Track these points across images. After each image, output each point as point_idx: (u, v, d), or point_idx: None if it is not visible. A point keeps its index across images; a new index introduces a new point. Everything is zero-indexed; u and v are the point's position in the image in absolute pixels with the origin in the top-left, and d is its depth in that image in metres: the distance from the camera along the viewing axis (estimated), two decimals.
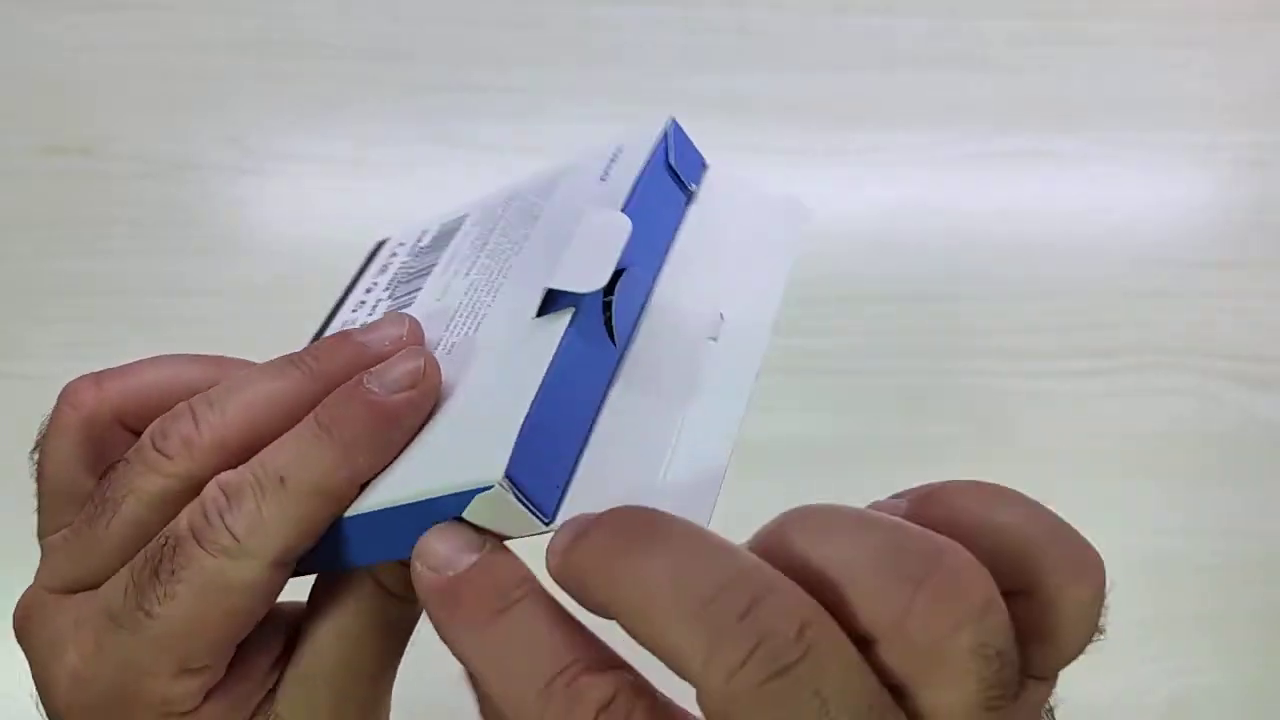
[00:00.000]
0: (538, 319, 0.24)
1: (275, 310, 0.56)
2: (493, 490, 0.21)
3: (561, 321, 0.23)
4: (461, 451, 0.22)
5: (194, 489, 0.24)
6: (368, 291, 0.32)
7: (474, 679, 0.21)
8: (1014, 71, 0.69)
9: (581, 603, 0.21)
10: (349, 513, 0.24)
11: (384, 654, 0.28)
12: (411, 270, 0.32)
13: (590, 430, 0.23)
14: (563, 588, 0.21)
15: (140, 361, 0.27)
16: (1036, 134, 0.69)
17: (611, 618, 0.20)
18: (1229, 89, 0.71)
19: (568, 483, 0.22)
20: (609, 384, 0.24)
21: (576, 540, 0.20)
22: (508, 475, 0.21)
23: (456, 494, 0.22)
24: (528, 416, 0.21)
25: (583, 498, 0.22)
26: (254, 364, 0.26)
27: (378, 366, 0.24)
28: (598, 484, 0.23)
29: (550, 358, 0.23)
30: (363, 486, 0.24)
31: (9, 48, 0.65)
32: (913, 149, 0.68)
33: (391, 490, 0.23)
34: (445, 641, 0.21)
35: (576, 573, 0.21)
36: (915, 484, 0.22)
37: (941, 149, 0.68)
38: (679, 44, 0.68)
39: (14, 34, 0.65)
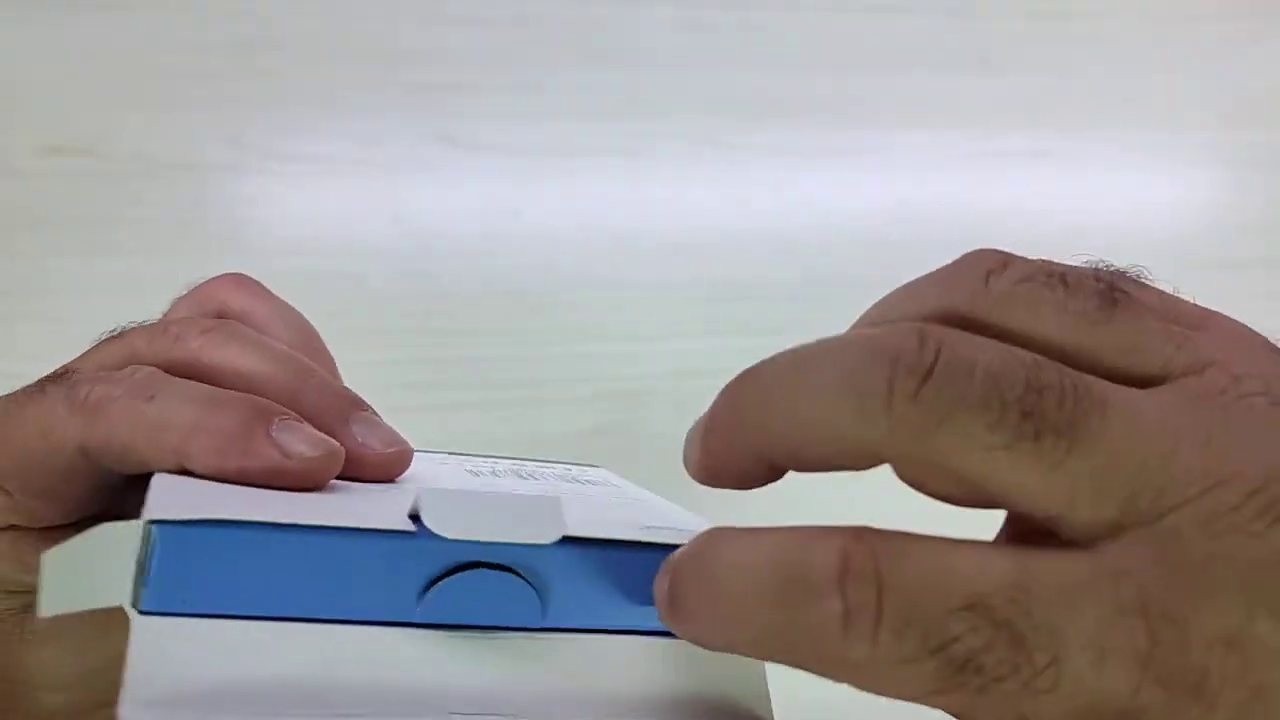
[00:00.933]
0: None
1: None
2: None
3: None
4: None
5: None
6: None
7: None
8: (1014, 71, 0.69)
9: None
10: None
11: None
12: None
13: None
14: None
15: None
16: (1036, 134, 0.69)
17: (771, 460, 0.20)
18: (1229, 89, 0.71)
19: None
20: None
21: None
22: None
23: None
24: None
25: None
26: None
27: (297, 424, 0.23)
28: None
29: None
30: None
31: (9, 48, 0.65)
32: (913, 149, 0.68)
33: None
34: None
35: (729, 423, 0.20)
36: None
37: (941, 149, 0.68)
38: (679, 44, 0.68)
39: (14, 34, 0.65)
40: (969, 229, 0.68)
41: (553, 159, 0.66)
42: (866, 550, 0.16)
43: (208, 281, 0.30)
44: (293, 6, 0.67)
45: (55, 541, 0.24)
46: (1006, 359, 0.17)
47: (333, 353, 0.32)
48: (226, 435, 0.23)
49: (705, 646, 0.19)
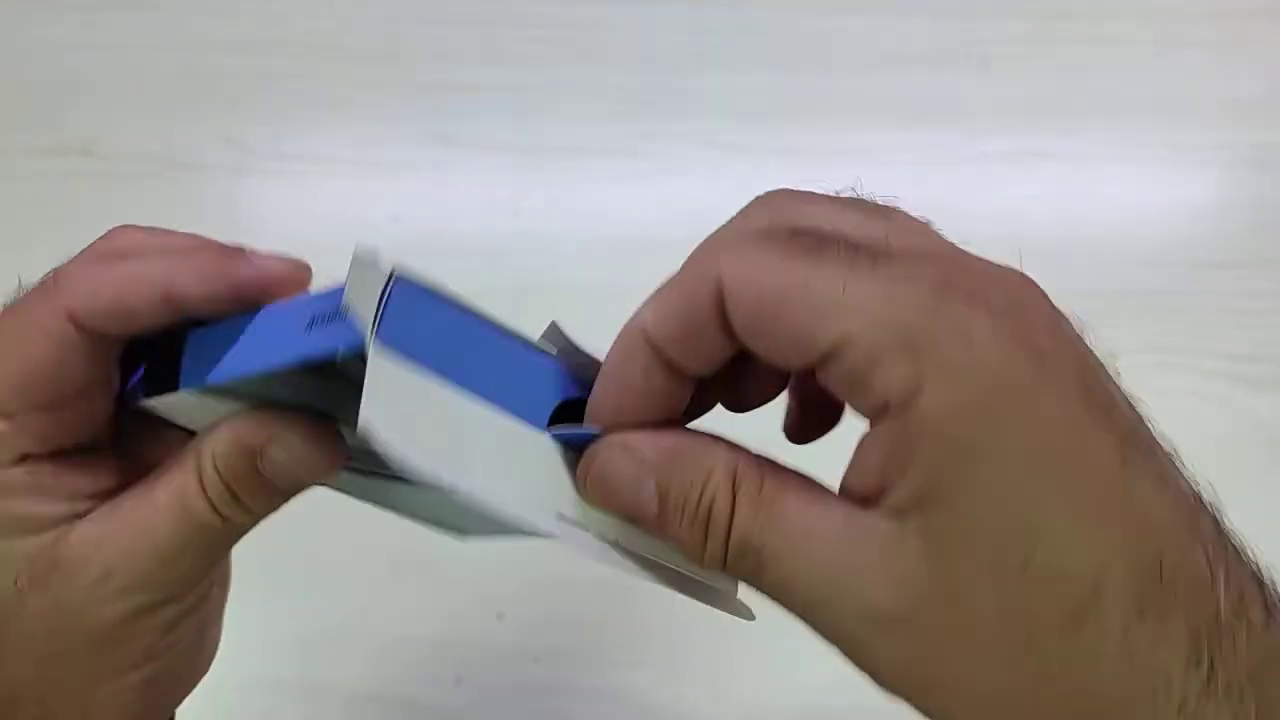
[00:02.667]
0: None
1: None
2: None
3: None
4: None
5: None
6: None
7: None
8: (1014, 71, 0.69)
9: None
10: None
11: (190, 573, 0.27)
12: None
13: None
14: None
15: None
16: (1036, 134, 0.69)
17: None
18: (1229, 89, 0.71)
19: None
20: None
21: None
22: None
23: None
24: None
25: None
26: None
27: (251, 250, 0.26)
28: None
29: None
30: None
31: (9, 48, 0.65)
32: (913, 149, 0.68)
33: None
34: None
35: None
36: None
37: (942, 149, 0.68)
38: (679, 44, 0.68)
39: (14, 34, 0.65)
40: (969, 229, 0.68)
41: (553, 159, 0.66)
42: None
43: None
44: (293, 7, 0.67)
45: (70, 469, 0.25)
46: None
47: None
48: (209, 261, 0.25)
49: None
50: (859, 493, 0.22)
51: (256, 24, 0.66)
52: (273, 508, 0.27)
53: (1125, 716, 0.20)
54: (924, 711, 0.21)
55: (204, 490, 0.25)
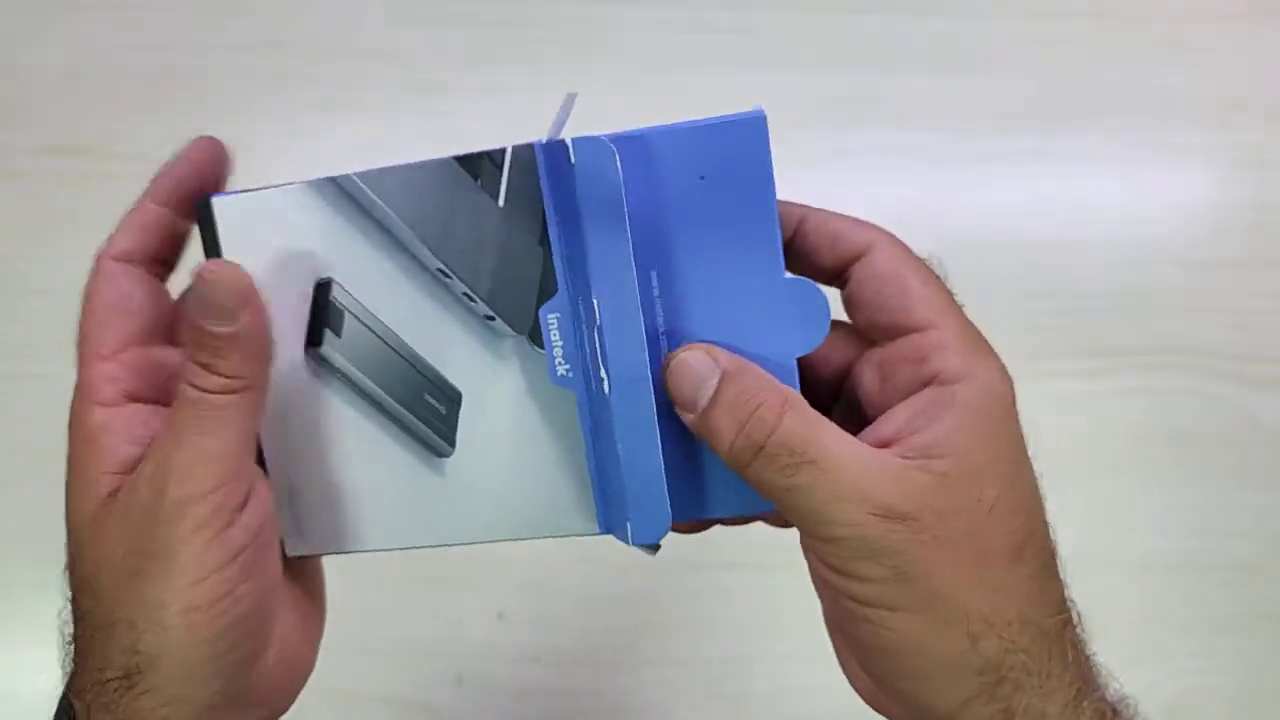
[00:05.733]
0: None
1: None
2: None
3: None
4: None
5: None
6: None
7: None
8: (1014, 71, 0.69)
9: None
10: None
11: (232, 464, 0.31)
12: None
13: None
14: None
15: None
16: (1036, 134, 0.69)
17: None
18: (1229, 89, 0.71)
19: None
20: None
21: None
22: None
23: None
24: None
25: None
26: None
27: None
28: None
29: None
30: None
31: (9, 48, 0.65)
32: (913, 149, 0.68)
33: None
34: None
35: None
36: None
37: (941, 149, 0.68)
38: (679, 44, 0.68)
39: (14, 34, 0.65)
40: (968, 229, 0.68)
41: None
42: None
43: None
44: (294, 7, 0.67)
45: (151, 415, 0.32)
46: None
47: None
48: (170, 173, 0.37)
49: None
50: (874, 440, 0.30)
51: (257, 24, 0.66)
52: (254, 369, 0.31)
53: (1031, 627, 0.29)
54: (893, 599, 0.29)
55: (199, 387, 0.30)
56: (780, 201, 0.31)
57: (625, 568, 0.63)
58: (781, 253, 0.31)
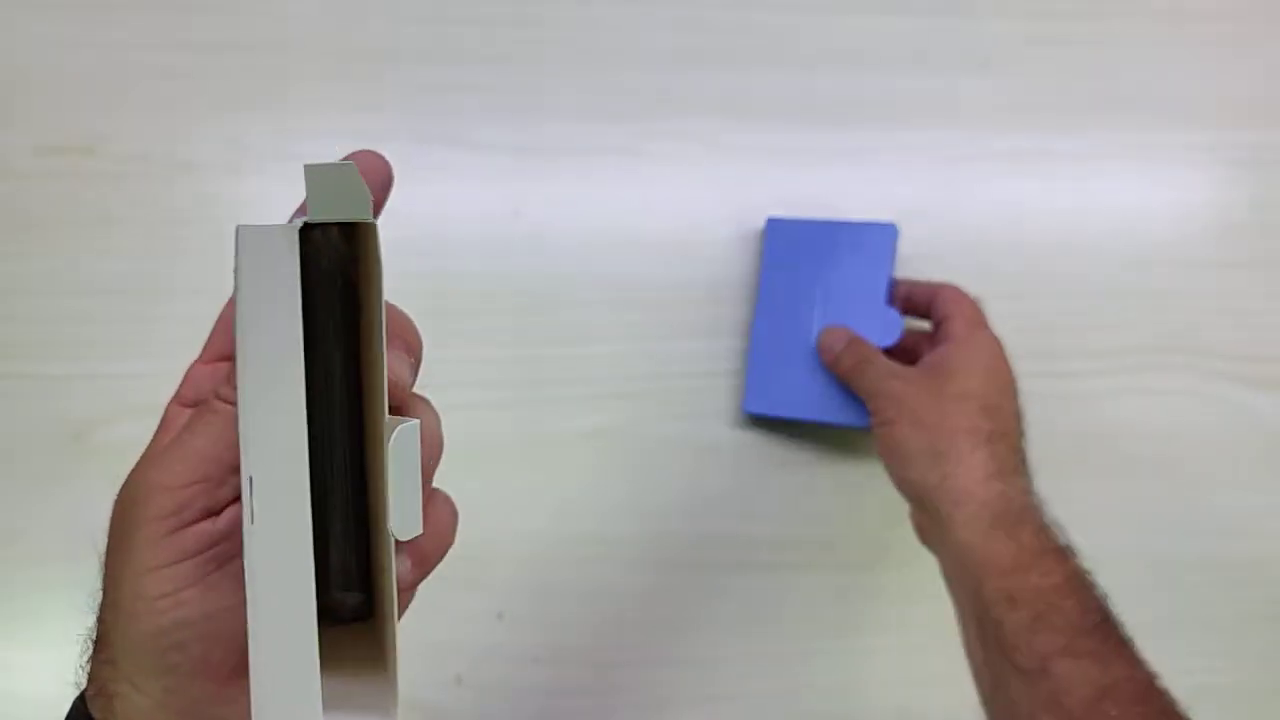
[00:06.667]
0: None
1: None
2: None
3: None
4: None
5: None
6: None
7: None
8: (1014, 71, 0.69)
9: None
10: None
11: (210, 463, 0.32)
12: None
13: None
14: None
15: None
16: (1036, 134, 0.69)
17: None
18: (1228, 89, 0.71)
19: None
20: None
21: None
22: None
23: None
24: None
25: None
26: None
27: None
28: None
29: None
30: None
31: (9, 48, 0.65)
32: (913, 149, 0.68)
33: None
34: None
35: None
36: None
37: (941, 149, 0.68)
38: (679, 44, 0.68)
39: (14, 34, 0.65)
40: (969, 229, 0.68)
41: (553, 159, 0.66)
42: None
43: None
44: (293, 7, 0.67)
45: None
46: None
47: None
48: None
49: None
50: (904, 359, 0.59)
51: (256, 24, 0.66)
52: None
53: (981, 497, 0.53)
54: (896, 418, 0.56)
55: (223, 399, 0.31)
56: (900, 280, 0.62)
57: (625, 568, 0.63)
58: (886, 293, 0.61)
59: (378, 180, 0.35)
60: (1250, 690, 0.65)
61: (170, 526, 0.30)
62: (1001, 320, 0.60)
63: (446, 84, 0.67)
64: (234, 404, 0.30)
